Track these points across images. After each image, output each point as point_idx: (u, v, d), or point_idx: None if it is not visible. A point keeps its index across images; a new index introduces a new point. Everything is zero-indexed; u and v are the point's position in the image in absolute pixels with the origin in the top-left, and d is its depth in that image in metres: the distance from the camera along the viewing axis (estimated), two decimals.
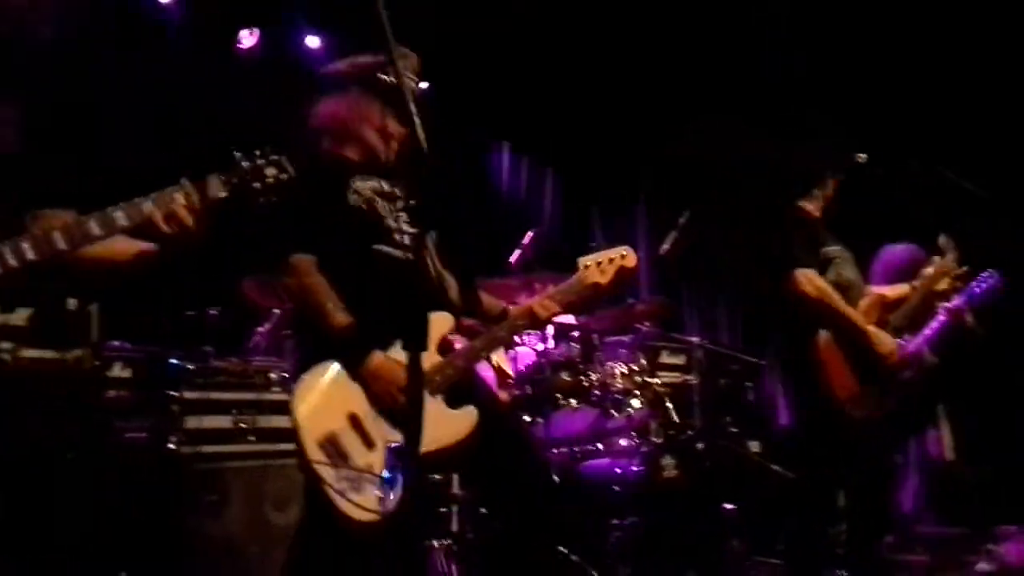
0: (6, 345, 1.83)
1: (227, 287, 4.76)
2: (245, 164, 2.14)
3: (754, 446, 5.17)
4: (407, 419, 2.06)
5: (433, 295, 2.76)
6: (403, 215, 2.87)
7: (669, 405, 4.73)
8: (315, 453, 2.58)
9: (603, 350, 4.67)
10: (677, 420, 4.77)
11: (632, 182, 7.86)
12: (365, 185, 2.86)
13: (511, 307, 3.09)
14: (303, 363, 2.74)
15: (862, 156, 3.94)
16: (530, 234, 5.00)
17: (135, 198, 2.02)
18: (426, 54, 2.93)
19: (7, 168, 2.01)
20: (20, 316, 1.80)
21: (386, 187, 2.88)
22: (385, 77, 2.74)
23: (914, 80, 5.83)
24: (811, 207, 3.99)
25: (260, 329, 4.78)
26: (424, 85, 3.02)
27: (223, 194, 2.13)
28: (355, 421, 2.66)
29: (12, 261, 1.86)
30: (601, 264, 3.07)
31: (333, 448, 2.60)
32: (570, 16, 6.13)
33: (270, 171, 2.15)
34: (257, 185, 2.15)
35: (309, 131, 2.92)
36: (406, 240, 2.82)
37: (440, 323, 2.81)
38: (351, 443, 2.62)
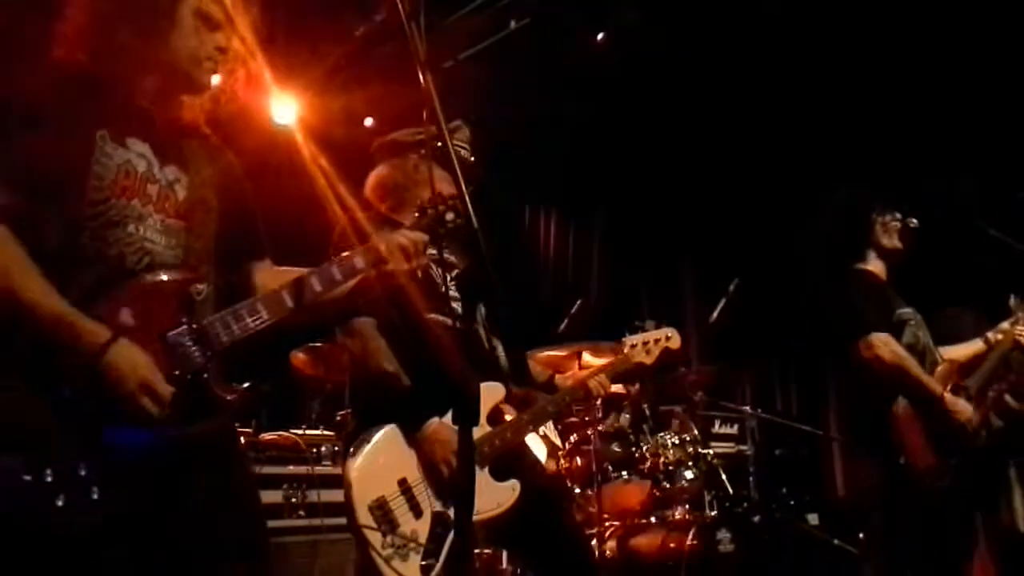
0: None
1: (279, 359, 4.83)
2: (430, 211, 2.26)
3: (812, 518, 5.03)
4: (456, 490, 2.05)
5: (484, 365, 2.77)
6: (454, 283, 2.91)
7: (723, 476, 4.64)
8: (364, 517, 2.58)
9: (654, 420, 4.61)
10: (732, 491, 4.67)
11: (679, 250, 7.86)
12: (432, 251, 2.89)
13: (558, 375, 3.10)
14: (360, 426, 2.76)
15: (914, 221, 3.88)
16: (578, 304, 5.01)
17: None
18: (473, 126, 3.01)
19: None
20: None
21: (440, 254, 2.92)
22: (438, 144, 2.81)
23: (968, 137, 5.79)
24: (876, 270, 3.90)
25: (312, 402, 4.81)
26: (473, 158, 3.08)
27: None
28: (405, 487, 2.66)
29: (251, 324, 1.92)
30: (647, 344, 3.13)
31: (382, 513, 2.60)
32: (619, 85, 6.23)
33: (450, 216, 2.25)
34: (441, 230, 2.25)
35: (366, 198, 2.99)
36: (458, 308, 2.85)
37: (491, 393, 2.81)
38: (400, 509, 2.62)
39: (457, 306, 2.86)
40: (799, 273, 4.26)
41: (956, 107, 5.61)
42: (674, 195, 7.11)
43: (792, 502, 5.05)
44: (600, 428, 4.38)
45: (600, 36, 5.88)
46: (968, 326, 4.12)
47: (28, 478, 1.63)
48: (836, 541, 4.40)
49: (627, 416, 4.50)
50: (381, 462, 2.67)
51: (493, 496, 2.71)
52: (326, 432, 4.37)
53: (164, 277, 1.87)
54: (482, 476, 2.70)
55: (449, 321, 2.82)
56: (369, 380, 2.80)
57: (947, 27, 5.32)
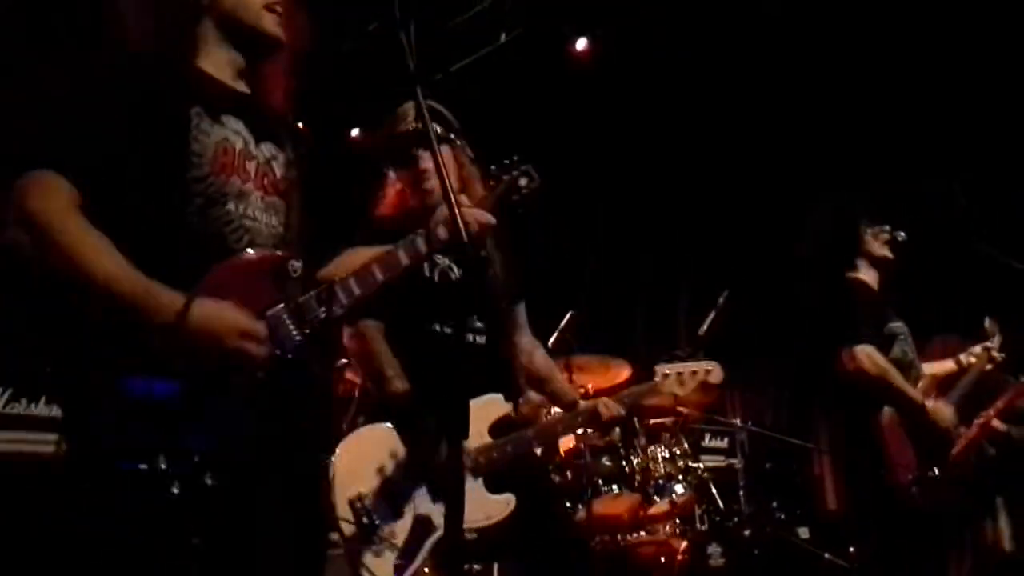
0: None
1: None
2: (504, 178, 2.22)
3: (803, 532, 5.01)
4: (444, 498, 2.03)
5: (495, 376, 2.76)
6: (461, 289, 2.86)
7: (714, 490, 4.62)
8: (343, 510, 2.58)
9: (644, 434, 4.59)
10: (722, 506, 4.65)
11: (673, 261, 7.85)
12: (443, 257, 2.86)
13: (582, 402, 3.05)
14: (362, 424, 2.79)
15: (902, 234, 3.90)
16: (568, 317, 4.98)
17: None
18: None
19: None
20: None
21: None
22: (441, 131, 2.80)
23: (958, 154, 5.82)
24: (869, 280, 3.91)
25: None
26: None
27: (493, 209, 2.21)
28: (389, 486, 2.64)
29: (344, 300, 1.91)
30: (682, 375, 3.01)
31: (361, 507, 2.59)
32: (610, 97, 6.24)
33: (523, 181, 2.22)
34: (516, 197, 2.23)
35: (371, 212, 2.98)
36: (476, 322, 2.82)
37: (495, 407, 2.78)
38: (380, 508, 2.61)
39: (474, 319, 2.83)
40: (790, 283, 4.26)
41: (945, 119, 5.64)
42: (667, 206, 7.11)
43: (782, 516, 5.03)
44: (590, 442, 4.36)
45: (582, 44, 5.87)
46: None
47: (144, 467, 1.62)
48: (827, 555, 4.38)
49: (617, 430, 4.48)
50: (368, 459, 2.66)
51: (484, 508, 2.68)
52: None
53: (263, 254, 1.85)
54: (475, 486, 2.68)
55: (448, 331, 2.81)
56: (368, 381, 2.81)
57: (937, 40, 5.35)
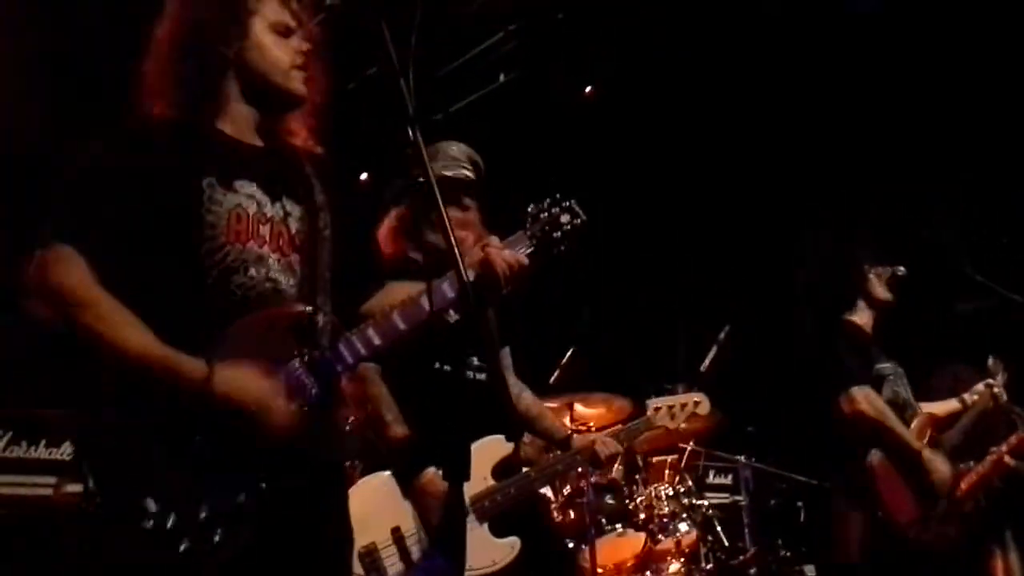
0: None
1: None
2: (543, 216, 2.19)
3: (809, 571, 4.95)
4: (447, 543, 2.02)
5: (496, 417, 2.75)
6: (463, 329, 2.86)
7: (719, 528, 4.58)
8: (354, 565, 2.51)
9: (647, 471, 4.56)
10: (727, 543, 4.60)
11: (671, 298, 7.85)
12: None
13: (577, 436, 3.05)
14: (365, 470, 2.75)
15: (902, 269, 3.91)
16: (569, 354, 4.98)
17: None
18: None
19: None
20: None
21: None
22: (444, 172, 2.81)
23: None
24: (861, 322, 3.91)
25: None
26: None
27: (529, 250, 2.17)
28: (398, 536, 2.63)
29: (362, 351, 1.91)
30: (672, 408, 3.07)
31: (371, 561, 2.57)
32: (607, 134, 6.29)
33: (565, 218, 2.19)
34: (557, 234, 2.20)
35: (374, 248, 2.99)
36: (474, 360, 2.82)
37: (496, 448, 2.76)
38: (390, 558, 2.59)
39: (474, 359, 2.82)
40: (789, 322, 4.26)
41: (942, 150, 5.68)
42: (665, 242, 7.13)
43: (788, 553, 4.98)
44: (593, 480, 4.33)
45: (588, 90, 5.94)
46: (967, 382, 4.13)
47: (150, 524, 1.62)
48: None
49: (620, 467, 4.45)
50: (374, 509, 2.64)
51: (489, 553, 2.67)
52: None
53: (282, 309, 1.86)
54: (480, 531, 2.67)
55: (447, 369, 2.80)
56: (367, 426, 2.78)
57: (932, 67, 5.40)
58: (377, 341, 1.95)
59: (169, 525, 1.64)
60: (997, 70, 5.25)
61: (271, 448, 1.75)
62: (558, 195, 2.22)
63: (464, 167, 2.91)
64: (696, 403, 3.11)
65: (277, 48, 1.94)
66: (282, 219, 1.94)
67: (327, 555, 1.89)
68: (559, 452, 3.05)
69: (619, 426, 3.11)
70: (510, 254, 2.14)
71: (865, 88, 5.61)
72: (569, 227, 2.21)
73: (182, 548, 1.64)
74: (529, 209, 2.23)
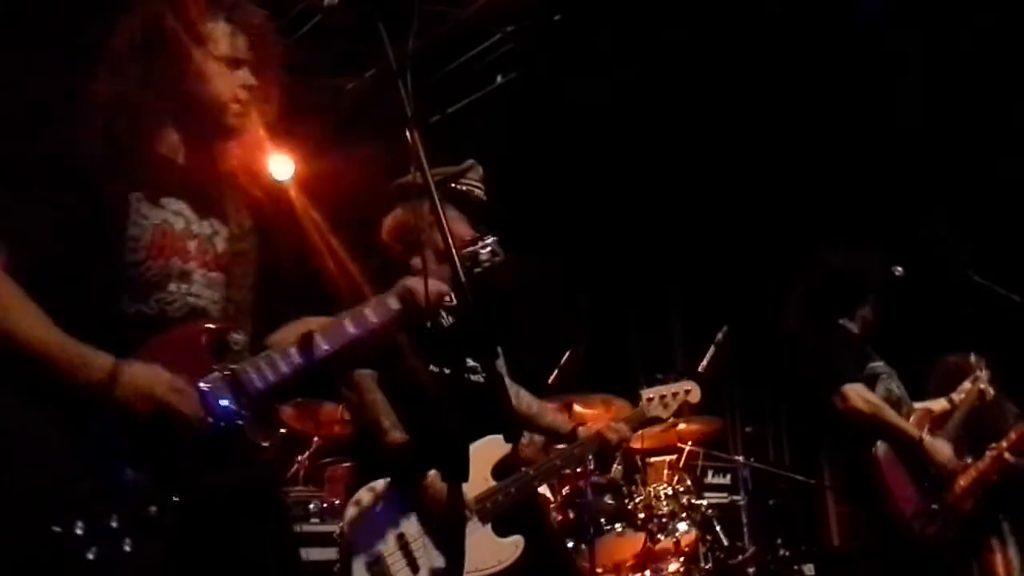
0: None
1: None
2: (467, 251, 2.24)
3: (808, 569, 4.96)
4: (449, 545, 2.02)
5: (494, 417, 2.75)
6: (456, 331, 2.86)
7: (718, 527, 4.58)
8: (360, 573, 2.56)
9: (646, 471, 4.57)
10: (726, 543, 4.61)
11: (666, 298, 7.86)
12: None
13: (582, 428, 3.06)
14: (360, 478, 2.74)
15: (899, 269, 3.92)
16: (567, 354, 4.98)
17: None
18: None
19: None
20: None
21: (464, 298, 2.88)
22: (455, 186, 2.84)
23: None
24: (852, 325, 3.95)
25: (300, 458, 4.75)
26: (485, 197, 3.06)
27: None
28: (403, 543, 2.63)
29: (285, 369, 1.89)
30: (665, 398, 3.09)
31: (379, 570, 2.58)
32: (606, 136, 6.29)
33: (485, 253, 2.21)
34: (477, 270, 2.24)
35: (380, 242, 2.98)
36: (469, 361, 2.82)
37: (496, 448, 2.77)
38: (396, 565, 2.59)
39: (469, 360, 2.83)
40: (781, 323, 4.27)
41: (940, 155, 5.69)
42: (663, 243, 7.13)
43: (787, 553, 4.99)
44: (592, 480, 4.33)
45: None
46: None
47: (58, 530, 1.61)
48: None
49: (619, 467, 4.45)
50: (378, 517, 2.64)
51: (494, 552, 2.67)
52: (314, 489, 4.30)
53: (198, 326, 1.85)
54: (484, 531, 2.68)
55: (445, 372, 2.80)
56: (365, 433, 2.78)
57: (934, 78, 5.43)
58: (298, 359, 1.93)
59: (77, 532, 1.62)
60: (997, 70, 5.27)
61: (182, 454, 1.74)
62: (480, 232, 2.25)
63: (483, 190, 2.95)
64: (687, 391, 3.12)
65: (219, 79, 1.93)
66: (209, 237, 1.95)
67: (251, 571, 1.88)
68: (561, 448, 3.04)
69: (614, 418, 3.12)
70: (432, 283, 2.15)
71: (866, 86, 5.62)
72: (487, 263, 2.24)
73: (90, 556, 1.62)
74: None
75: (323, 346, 1.94)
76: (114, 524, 1.66)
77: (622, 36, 5.57)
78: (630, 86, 5.91)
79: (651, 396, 3.09)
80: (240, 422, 1.80)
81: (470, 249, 2.27)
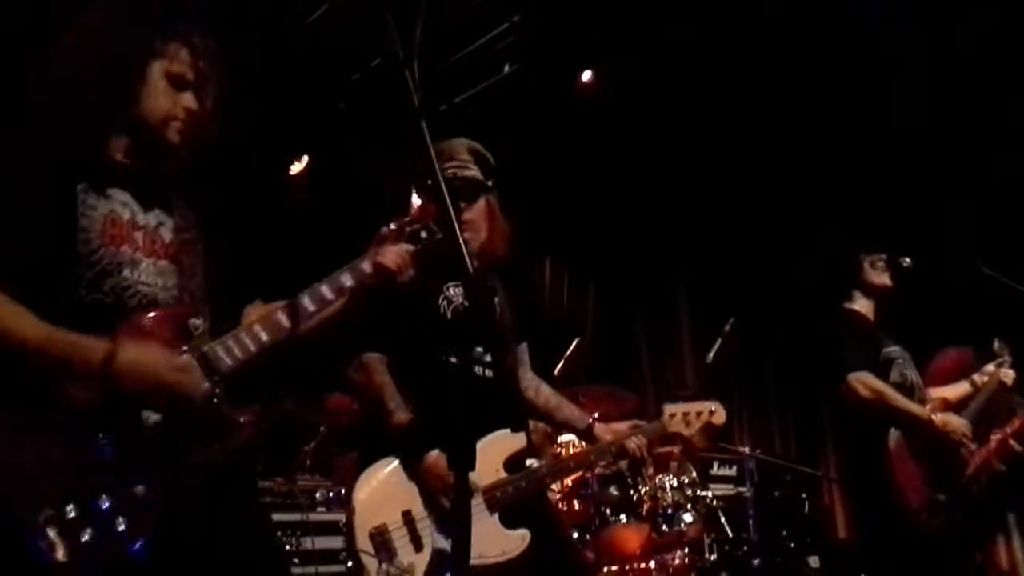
0: None
1: (272, 402, 4.78)
2: (406, 230, 2.25)
3: (813, 561, 4.97)
4: (454, 529, 2.03)
5: (510, 410, 2.77)
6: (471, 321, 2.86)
7: (723, 519, 4.59)
8: (364, 543, 2.58)
9: (652, 463, 4.57)
10: (731, 535, 4.61)
11: (673, 289, 7.86)
12: (459, 291, 2.87)
13: (598, 425, 3.04)
14: (368, 459, 2.75)
15: (907, 260, 3.92)
16: (574, 345, 4.99)
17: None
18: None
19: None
20: None
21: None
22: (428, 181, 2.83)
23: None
24: (863, 309, 3.93)
25: (307, 447, 4.77)
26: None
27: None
28: (409, 519, 2.65)
29: (251, 347, 1.95)
30: (688, 416, 3.06)
31: (382, 541, 2.59)
32: (612, 128, 6.29)
33: (423, 234, 2.26)
34: (416, 246, 2.25)
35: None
36: (482, 353, 2.82)
37: (510, 442, 2.78)
38: (400, 540, 2.61)
39: (480, 350, 2.83)
40: (791, 314, 4.27)
41: (947, 147, 5.68)
42: (671, 234, 7.13)
43: (792, 545, 4.99)
44: (597, 471, 4.34)
45: (587, 76, 5.93)
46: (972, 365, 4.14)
47: (51, 512, 1.64)
48: None
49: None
50: (387, 491, 2.67)
51: (500, 543, 2.68)
52: (320, 478, 4.32)
53: (165, 311, 1.90)
54: (491, 522, 2.69)
55: (456, 362, 2.81)
56: (371, 413, 2.80)
57: (937, 72, 5.41)
58: (264, 337, 1.97)
59: (69, 515, 1.66)
60: (996, 70, 5.26)
61: (165, 432, 1.78)
62: (408, 217, 2.27)
63: (469, 167, 2.91)
64: (712, 412, 3.07)
65: (164, 96, 1.97)
66: (155, 227, 2.00)
67: (240, 547, 1.92)
68: (574, 441, 3.04)
69: (634, 425, 3.10)
70: (395, 250, 2.20)
71: (867, 85, 5.61)
72: (425, 242, 2.26)
73: (85, 538, 1.66)
74: (383, 228, 2.28)
75: (284, 323, 2.00)
76: (105, 505, 1.70)
77: (626, 32, 5.56)
78: (639, 77, 5.90)
79: (674, 412, 3.05)
80: (215, 400, 1.86)
81: (409, 229, 2.28)
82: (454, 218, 1.87)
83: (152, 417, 1.80)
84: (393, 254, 2.18)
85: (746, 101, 5.88)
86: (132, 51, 1.95)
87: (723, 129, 6.10)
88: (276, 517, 3.85)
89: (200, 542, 1.84)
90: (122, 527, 1.70)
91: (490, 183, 2.93)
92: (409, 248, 2.21)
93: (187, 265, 2.01)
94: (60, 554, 1.64)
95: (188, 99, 2.00)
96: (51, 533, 1.64)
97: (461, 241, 1.86)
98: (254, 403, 1.95)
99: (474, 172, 2.90)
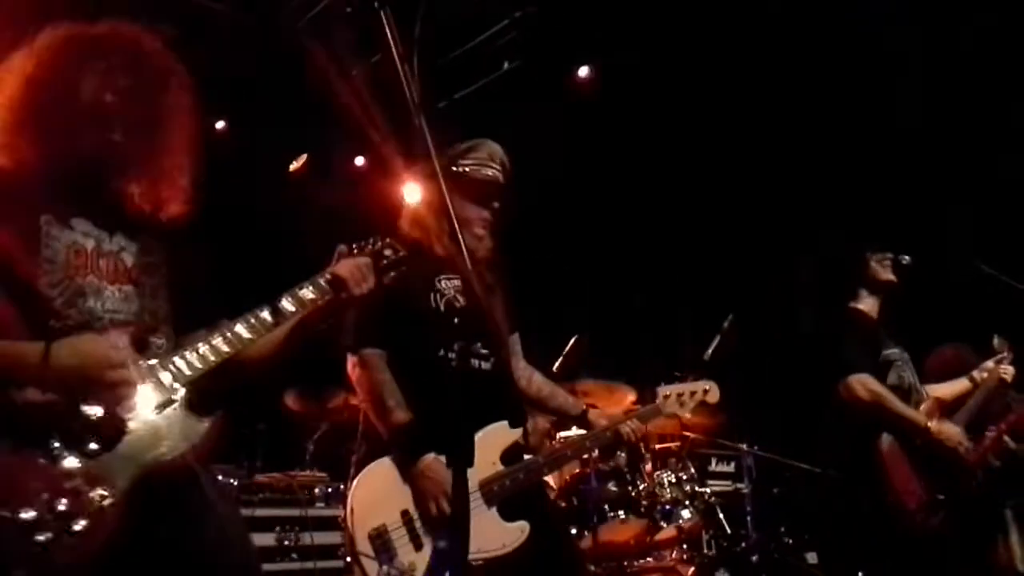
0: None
1: (271, 399, 4.79)
2: (368, 247, 2.30)
3: (811, 558, 4.97)
4: (451, 526, 2.04)
5: (507, 404, 2.77)
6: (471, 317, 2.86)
7: (721, 515, 4.60)
8: (363, 545, 2.58)
9: (650, 459, 4.58)
10: (729, 531, 4.62)
11: (672, 285, 7.86)
12: (450, 284, 2.89)
13: (593, 411, 3.06)
14: (368, 455, 2.76)
15: (906, 258, 3.92)
16: (573, 341, 4.99)
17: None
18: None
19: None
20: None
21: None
22: (454, 168, 2.85)
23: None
24: (867, 308, 3.93)
25: (307, 443, 4.78)
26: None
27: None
28: (408, 519, 2.65)
29: (199, 365, 1.98)
30: (682, 396, 3.08)
31: (381, 543, 2.60)
32: (611, 124, 6.29)
33: (387, 252, 2.30)
34: (381, 263, 2.29)
35: (402, 231, 2.98)
36: (479, 347, 2.83)
37: (505, 434, 2.78)
38: (400, 540, 2.61)
39: (479, 345, 2.83)
40: (794, 311, 4.27)
41: (948, 147, 5.68)
42: (668, 230, 7.13)
43: (790, 541, 4.99)
44: (596, 467, 4.34)
45: (584, 72, 5.93)
46: (970, 363, 4.15)
47: (7, 514, 1.67)
48: None
49: (623, 454, 4.46)
50: (385, 492, 2.67)
51: (499, 536, 2.69)
52: (320, 474, 4.33)
53: (120, 330, 1.93)
54: (490, 515, 2.70)
55: (453, 357, 2.81)
56: (371, 411, 2.81)
57: (938, 72, 5.41)
58: (225, 348, 2.01)
59: (26, 516, 1.68)
60: (997, 70, 5.26)
61: (123, 435, 1.82)
62: (373, 237, 2.30)
63: (495, 168, 2.93)
64: (706, 391, 3.10)
65: (87, 131, 1.97)
66: (117, 252, 2.03)
67: (203, 545, 1.95)
68: (570, 431, 3.05)
69: (629, 411, 3.11)
70: (354, 262, 2.24)
71: (868, 84, 5.61)
72: (391, 259, 2.31)
73: (41, 539, 1.68)
74: (357, 246, 2.30)
75: (245, 334, 2.04)
76: (62, 508, 1.72)
77: (627, 30, 5.56)
78: (639, 75, 5.90)
79: (668, 393, 3.07)
80: (175, 407, 1.91)
81: (369, 247, 2.31)
82: (454, 219, 1.89)
83: (95, 411, 1.83)
84: (348, 266, 2.21)
85: (747, 100, 5.87)
86: (53, 88, 1.96)
87: (724, 127, 6.09)
88: (275, 512, 3.86)
89: (162, 541, 1.87)
90: (79, 528, 1.73)
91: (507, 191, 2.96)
92: (366, 261, 2.25)
93: (148, 287, 2.05)
94: (18, 556, 1.67)
95: (112, 135, 1.99)
96: (9, 536, 1.66)
97: (461, 241, 1.87)
98: (215, 409, 1.98)
99: (496, 173, 2.93)
